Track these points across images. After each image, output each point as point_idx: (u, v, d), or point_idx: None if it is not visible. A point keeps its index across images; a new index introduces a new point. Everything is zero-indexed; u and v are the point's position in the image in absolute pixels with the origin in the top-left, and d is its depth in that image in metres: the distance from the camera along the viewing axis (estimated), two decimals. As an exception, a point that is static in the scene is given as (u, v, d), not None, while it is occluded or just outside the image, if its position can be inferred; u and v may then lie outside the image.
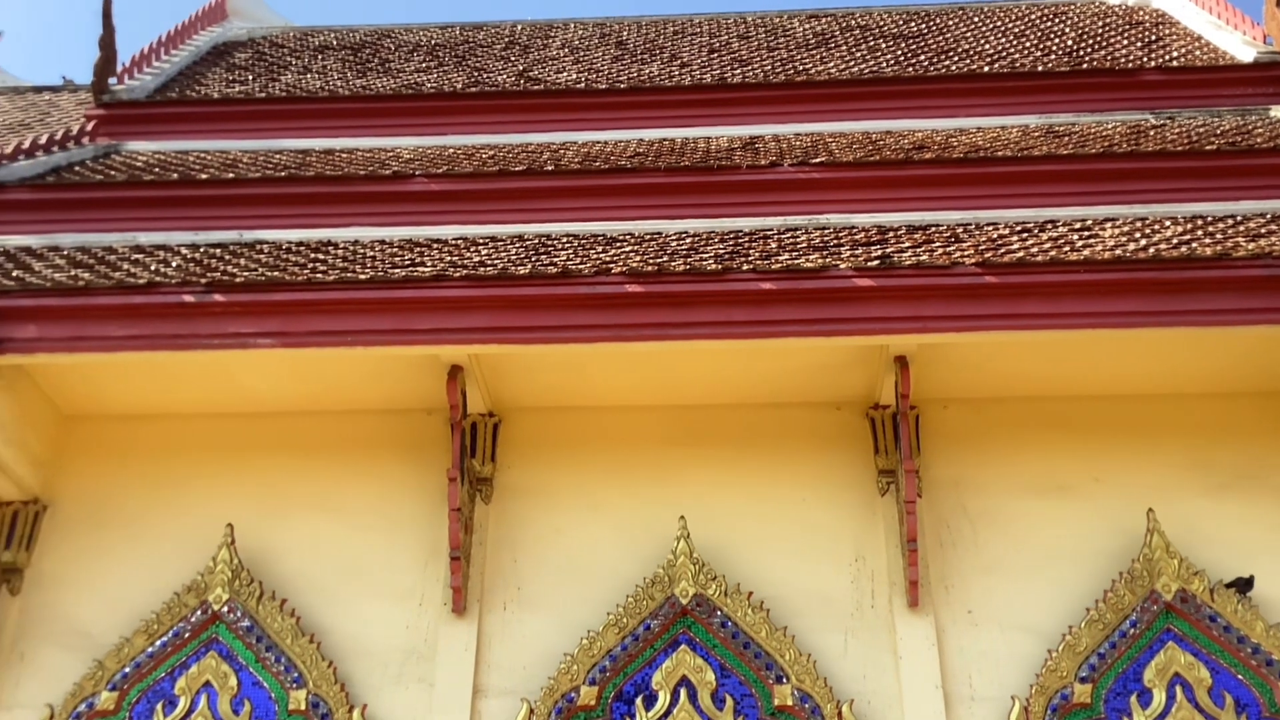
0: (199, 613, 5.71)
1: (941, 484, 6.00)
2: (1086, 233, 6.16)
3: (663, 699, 5.41)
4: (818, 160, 7.18)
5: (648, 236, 6.67)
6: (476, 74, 9.73)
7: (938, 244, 6.08)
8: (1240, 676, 5.31)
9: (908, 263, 5.65)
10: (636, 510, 6.05)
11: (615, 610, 5.65)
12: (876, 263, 5.64)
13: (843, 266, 5.63)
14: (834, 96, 8.77)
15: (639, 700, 5.43)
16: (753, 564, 5.83)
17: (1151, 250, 5.68)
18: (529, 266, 5.90)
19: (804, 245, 6.22)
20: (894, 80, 8.86)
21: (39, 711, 5.61)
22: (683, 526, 5.79)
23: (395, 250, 6.53)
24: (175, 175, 7.44)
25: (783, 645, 5.49)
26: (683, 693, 5.43)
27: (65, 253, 6.65)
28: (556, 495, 6.15)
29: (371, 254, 6.44)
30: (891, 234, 6.41)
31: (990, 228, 6.41)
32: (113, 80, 9.00)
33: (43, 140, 8.00)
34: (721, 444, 6.21)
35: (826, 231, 6.57)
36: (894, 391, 5.87)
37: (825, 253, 5.99)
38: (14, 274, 6.10)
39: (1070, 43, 9.60)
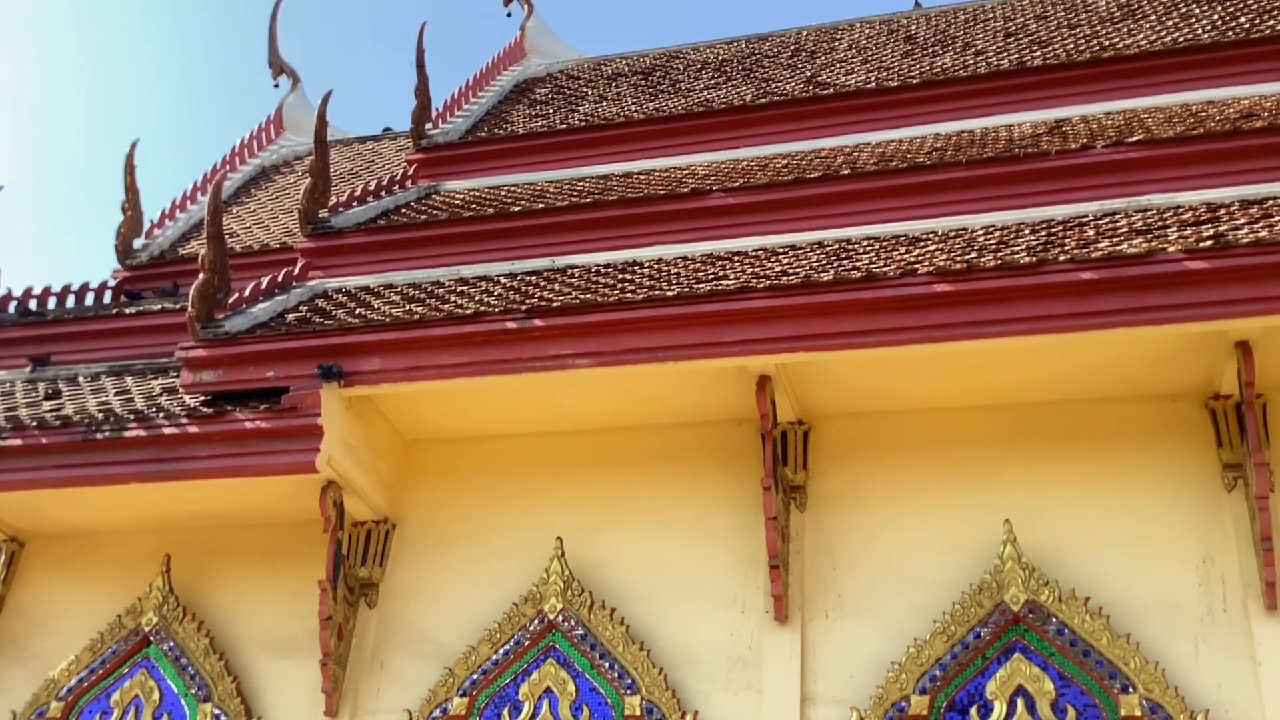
0: (536, 622, 6.01)
1: (1297, 476, 5.53)
2: None
3: (999, 709, 5.24)
4: (1134, 139, 6.78)
5: (953, 233, 6.50)
6: (765, 85, 9.79)
7: (1277, 218, 5.61)
8: None
9: (1245, 240, 5.23)
10: (957, 514, 5.90)
11: (942, 618, 5.52)
12: (1210, 243, 5.27)
13: (1171, 250, 5.29)
14: (1146, 70, 8.27)
15: (973, 710, 5.28)
16: (1086, 568, 5.56)
17: None
18: (832, 273, 5.87)
19: (1125, 230, 5.89)
20: (1213, 46, 8.24)
21: (398, 716, 6.06)
22: (1008, 530, 5.59)
23: (698, 265, 6.66)
24: (491, 210, 7.89)
25: (1126, 653, 5.19)
26: (1020, 702, 5.23)
27: (399, 289, 7.19)
28: (872, 501, 6.08)
29: (676, 271, 6.59)
30: (1223, 211, 5.97)
31: (1338, 196, 5.87)
32: (428, 125, 9.65)
33: (371, 186, 8.67)
34: (1045, 442, 5.96)
35: (1149, 213, 6.19)
36: (1236, 379, 5.46)
37: (1150, 236, 5.65)
38: (357, 312, 6.65)
39: None
